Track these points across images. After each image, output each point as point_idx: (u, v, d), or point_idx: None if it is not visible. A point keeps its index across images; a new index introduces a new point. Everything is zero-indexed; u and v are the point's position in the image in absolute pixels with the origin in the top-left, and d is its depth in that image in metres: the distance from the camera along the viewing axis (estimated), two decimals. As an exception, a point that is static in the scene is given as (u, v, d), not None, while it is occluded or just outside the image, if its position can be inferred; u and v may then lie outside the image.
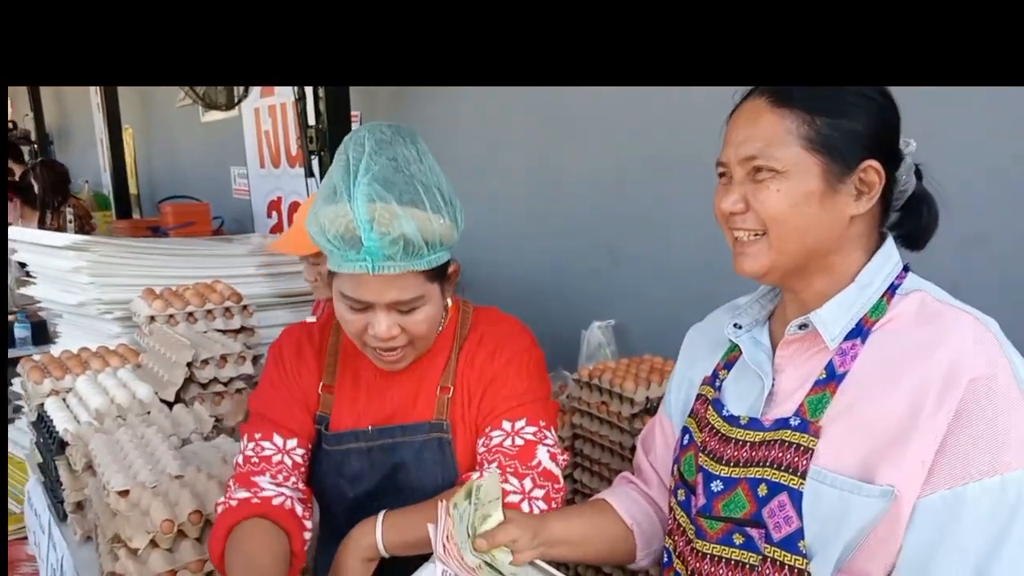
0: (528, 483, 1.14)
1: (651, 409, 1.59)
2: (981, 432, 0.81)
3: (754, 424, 0.97)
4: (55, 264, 2.49)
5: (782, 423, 0.94)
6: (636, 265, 2.31)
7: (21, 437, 2.55)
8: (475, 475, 1.12)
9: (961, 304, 0.91)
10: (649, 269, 2.25)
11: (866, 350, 0.91)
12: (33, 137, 8.36)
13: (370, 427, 1.23)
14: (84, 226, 4.76)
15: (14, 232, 2.90)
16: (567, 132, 2.49)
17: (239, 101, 3.84)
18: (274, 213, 4.46)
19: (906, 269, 0.96)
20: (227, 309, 2.23)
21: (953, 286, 0.96)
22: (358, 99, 3.31)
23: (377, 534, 1.11)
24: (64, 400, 1.93)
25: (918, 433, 0.83)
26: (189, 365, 1.92)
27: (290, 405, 1.25)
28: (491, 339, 1.25)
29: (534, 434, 1.18)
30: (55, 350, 2.32)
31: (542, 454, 1.17)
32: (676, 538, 1.06)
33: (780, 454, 0.92)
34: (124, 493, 1.38)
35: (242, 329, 2.24)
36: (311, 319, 2.09)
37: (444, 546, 0.98)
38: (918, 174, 0.97)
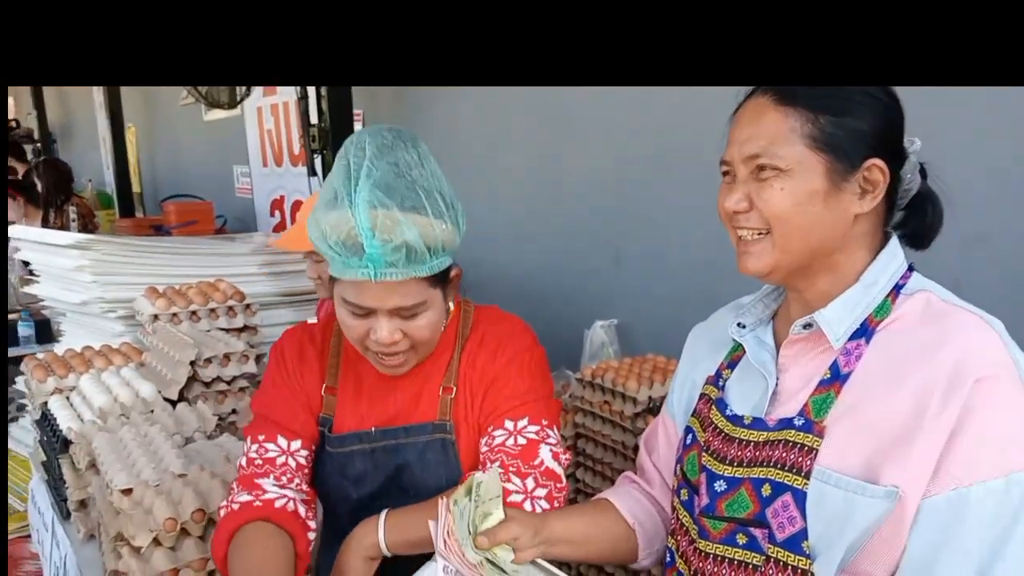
0: (530, 482, 1.14)
1: (654, 408, 1.59)
2: (986, 433, 0.81)
3: (758, 424, 0.97)
4: (58, 263, 2.50)
5: (786, 423, 0.93)
6: (638, 264, 2.31)
7: (25, 435, 2.56)
8: (476, 473, 1.12)
9: (966, 304, 0.91)
10: (651, 268, 2.25)
11: (871, 350, 0.91)
12: (36, 136, 8.38)
13: (373, 428, 1.23)
14: (87, 225, 4.77)
15: (18, 231, 2.91)
16: (568, 132, 2.49)
17: (241, 100, 3.84)
18: (277, 212, 4.46)
19: (910, 269, 0.96)
20: (230, 308, 2.23)
21: (955, 284, 0.96)
22: (360, 98, 3.31)
23: (379, 533, 1.11)
24: (68, 399, 1.93)
25: (923, 433, 0.83)
26: (192, 364, 1.92)
27: (293, 407, 1.24)
28: (492, 339, 1.24)
29: (536, 433, 1.18)
30: (59, 349, 2.33)
31: (544, 453, 1.17)
32: (679, 538, 1.06)
33: (784, 454, 0.91)
34: (127, 491, 1.38)
35: (245, 328, 2.25)
36: (313, 320, 2.10)
37: (445, 542, 0.98)
38: (923, 173, 0.96)
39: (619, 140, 2.30)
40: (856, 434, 0.88)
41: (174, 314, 2.18)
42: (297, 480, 1.20)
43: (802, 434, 0.91)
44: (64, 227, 4.54)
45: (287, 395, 1.25)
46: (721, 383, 1.07)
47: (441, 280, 1.14)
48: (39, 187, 4.66)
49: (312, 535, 1.19)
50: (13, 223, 4.42)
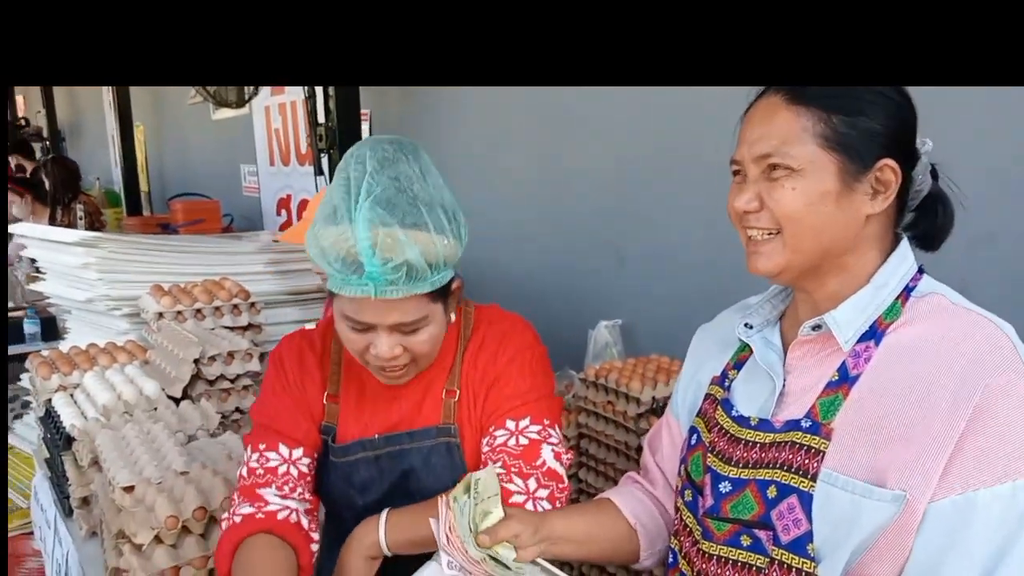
0: (532, 483, 1.13)
1: (658, 409, 1.58)
2: (994, 438, 0.80)
3: (764, 425, 0.96)
4: (64, 260, 2.50)
5: (793, 425, 0.92)
6: (641, 264, 2.30)
7: (28, 432, 2.56)
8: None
9: (977, 308, 0.90)
10: (653, 269, 2.25)
11: (880, 353, 0.89)
12: (45, 134, 8.43)
13: (377, 435, 1.22)
14: (94, 223, 4.79)
15: (24, 228, 2.92)
16: (570, 132, 2.48)
17: (249, 99, 3.86)
18: (283, 211, 4.47)
19: (921, 271, 0.95)
20: (235, 306, 2.23)
21: (962, 285, 0.95)
22: (368, 97, 3.31)
23: (380, 533, 1.10)
24: (71, 396, 1.93)
25: (931, 438, 0.82)
26: (196, 362, 1.92)
27: (294, 415, 1.22)
28: (493, 339, 1.23)
29: (538, 432, 1.17)
30: (64, 346, 2.33)
31: (546, 453, 1.16)
32: (682, 539, 1.05)
33: (790, 456, 0.90)
34: (129, 489, 1.38)
35: (250, 326, 2.25)
36: (316, 321, 2.09)
37: (448, 538, 0.97)
38: (934, 174, 0.95)
39: (620, 140, 2.30)
40: (864, 437, 0.86)
41: (179, 312, 2.18)
42: (300, 489, 1.19)
43: (809, 436, 0.90)
44: (71, 225, 4.56)
45: (288, 403, 1.23)
46: (727, 384, 1.06)
47: (442, 294, 1.12)
48: (47, 185, 4.68)
49: (315, 547, 1.17)
50: (19, 220, 4.45)
